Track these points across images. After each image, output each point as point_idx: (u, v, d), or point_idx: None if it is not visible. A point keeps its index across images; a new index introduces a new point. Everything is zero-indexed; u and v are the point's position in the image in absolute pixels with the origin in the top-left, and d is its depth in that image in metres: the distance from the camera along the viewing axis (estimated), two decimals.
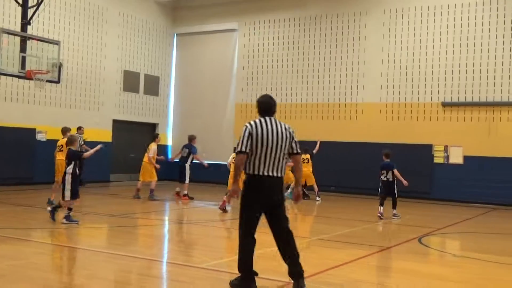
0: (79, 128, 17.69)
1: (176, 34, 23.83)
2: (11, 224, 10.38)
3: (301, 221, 12.91)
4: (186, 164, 15.51)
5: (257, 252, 6.03)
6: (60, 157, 12.75)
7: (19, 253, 7.75)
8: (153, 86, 22.78)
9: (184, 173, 15.48)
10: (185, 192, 15.52)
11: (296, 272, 5.84)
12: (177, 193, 15.74)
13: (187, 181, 15.47)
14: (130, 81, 21.70)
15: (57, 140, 13.37)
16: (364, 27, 19.84)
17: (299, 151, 5.99)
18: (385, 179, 12.81)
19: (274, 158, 5.79)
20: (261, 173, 5.77)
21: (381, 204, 12.73)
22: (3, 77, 16.03)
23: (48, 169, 16.54)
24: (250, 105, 21.74)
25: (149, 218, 12.56)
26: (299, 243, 9.31)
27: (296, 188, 6.13)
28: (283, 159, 5.86)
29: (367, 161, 19.22)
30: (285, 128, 5.92)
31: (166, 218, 13.08)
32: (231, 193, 6.11)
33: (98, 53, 20.40)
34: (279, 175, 5.85)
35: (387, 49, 19.40)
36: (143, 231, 10.65)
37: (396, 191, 12.79)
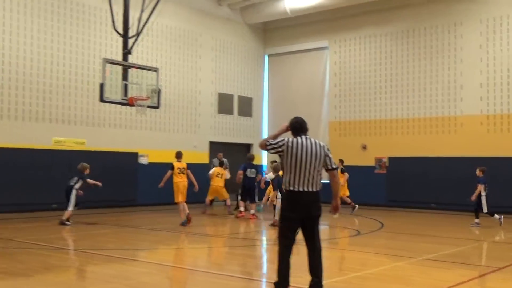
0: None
1: (267, 55, 24.15)
2: (119, 245, 10.83)
3: (403, 240, 12.53)
4: (255, 184, 16.20)
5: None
6: (179, 179, 13.77)
7: (129, 273, 8.06)
8: (246, 107, 23.16)
9: (254, 193, 16.13)
10: (253, 211, 15.85)
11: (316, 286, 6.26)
12: (241, 212, 15.90)
13: (256, 200, 16.15)
14: (224, 103, 22.19)
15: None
16: (460, 37, 19.16)
17: (333, 166, 6.40)
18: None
19: (308, 175, 6.24)
20: (296, 189, 6.22)
21: (493, 215, 14.40)
22: (107, 104, 16.87)
23: (150, 191, 17.22)
24: (344, 122, 21.56)
25: (248, 238, 12.67)
26: (404, 263, 9.09)
27: (334, 200, 6.56)
28: (316, 175, 6.30)
29: (468, 177, 18.44)
30: (319, 146, 6.39)
31: (264, 238, 13.14)
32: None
33: (194, 77, 21.05)
34: (313, 189, 6.27)
35: (485, 59, 18.60)
36: (242, 251, 10.76)
37: None
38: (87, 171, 14.02)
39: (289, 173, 6.30)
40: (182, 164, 14.00)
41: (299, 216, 6.28)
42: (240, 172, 16.24)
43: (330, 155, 6.43)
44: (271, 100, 24.06)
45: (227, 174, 17.45)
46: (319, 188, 6.37)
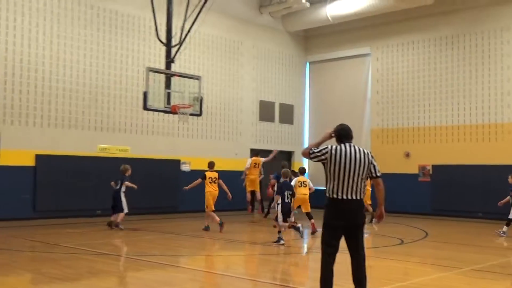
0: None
1: (309, 63, 24.09)
2: (162, 251, 10.95)
3: (448, 249, 12.27)
4: None
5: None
6: (210, 188, 14.04)
7: (173, 279, 8.14)
8: (287, 114, 23.14)
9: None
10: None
11: None
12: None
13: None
14: (265, 111, 22.24)
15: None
16: (507, 43, 18.68)
17: (378, 174, 6.32)
18: None
19: (352, 183, 6.16)
20: (339, 197, 6.15)
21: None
22: (150, 112, 17.13)
23: (192, 198, 17.36)
24: (386, 129, 21.29)
25: (290, 246, 12.61)
26: (450, 273, 8.89)
27: (378, 208, 6.45)
28: (361, 183, 6.21)
29: None
30: (363, 153, 6.29)
31: (304, 245, 13.07)
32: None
33: (235, 85, 21.18)
34: (357, 197, 6.19)
35: None
36: (284, 259, 10.73)
37: None
38: (128, 173, 14.41)
39: (333, 180, 6.24)
40: (213, 174, 14.19)
41: (343, 224, 6.22)
42: (273, 181, 16.04)
43: (375, 163, 6.34)
44: (313, 107, 23.98)
45: (263, 160, 18.27)
46: (363, 196, 6.30)
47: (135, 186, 14.33)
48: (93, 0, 17.20)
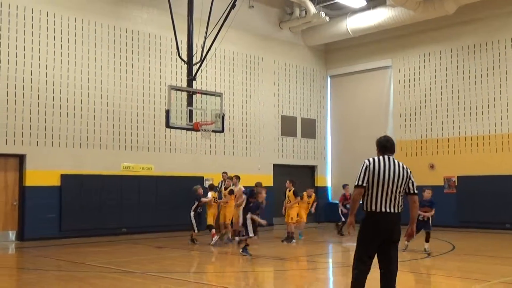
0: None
1: (330, 76, 24.08)
2: (186, 268, 10.99)
3: (476, 262, 12.06)
4: None
5: None
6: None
7: None
8: (309, 129, 23.11)
9: None
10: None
11: None
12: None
13: None
14: (287, 126, 22.24)
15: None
16: None
17: (415, 191, 6.19)
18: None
19: (390, 195, 6.03)
20: (378, 209, 6.01)
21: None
22: (173, 130, 17.28)
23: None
24: (409, 142, 21.12)
25: (315, 261, 12.54)
26: (479, 286, 8.72)
27: (410, 226, 6.26)
28: (399, 196, 6.08)
29: None
30: (403, 168, 6.17)
31: (330, 260, 12.98)
32: (347, 225, 6.32)
33: (256, 101, 21.25)
34: (395, 211, 6.06)
35: None
36: (310, 274, 10.66)
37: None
38: (199, 191, 15.25)
39: (370, 192, 6.08)
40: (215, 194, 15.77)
41: (379, 239, 6.05)
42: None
43: (413, 179, 6.19)
44: (335, 121, 23.92)
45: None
46: (401, 210, 6.13)
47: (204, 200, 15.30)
48: (114, 20, 17.48)
